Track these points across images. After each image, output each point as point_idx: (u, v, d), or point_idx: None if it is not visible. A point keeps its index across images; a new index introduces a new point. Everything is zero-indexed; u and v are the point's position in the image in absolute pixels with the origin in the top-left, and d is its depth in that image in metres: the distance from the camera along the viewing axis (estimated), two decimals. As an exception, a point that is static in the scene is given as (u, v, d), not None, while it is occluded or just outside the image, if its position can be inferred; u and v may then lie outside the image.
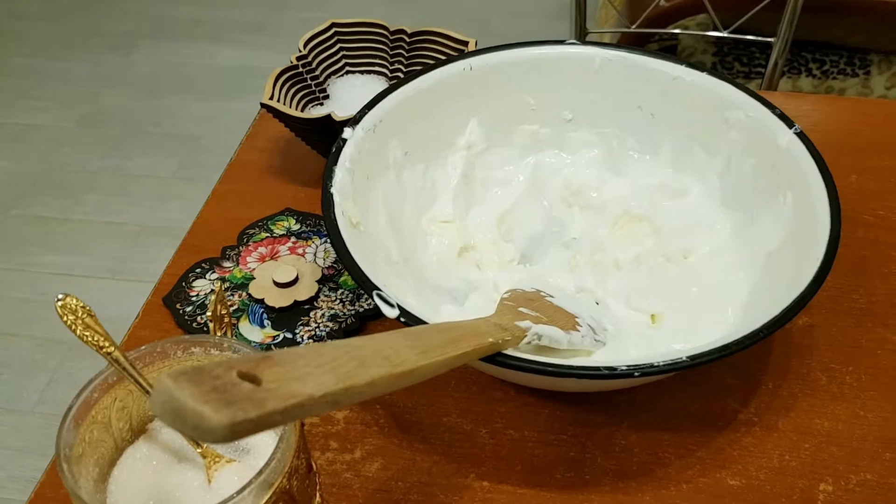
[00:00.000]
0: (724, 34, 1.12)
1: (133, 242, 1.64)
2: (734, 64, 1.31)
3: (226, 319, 0.48)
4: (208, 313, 0.44)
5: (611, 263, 0.57)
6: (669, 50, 1.32)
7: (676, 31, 1.14)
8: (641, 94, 0.60)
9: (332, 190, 0.50)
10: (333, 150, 0.53)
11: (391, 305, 0.44)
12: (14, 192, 1.74)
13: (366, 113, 0.55)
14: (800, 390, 0.52)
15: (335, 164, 0.52)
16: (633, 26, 1.15)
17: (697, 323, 0.50)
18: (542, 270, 0.58)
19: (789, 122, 0.54)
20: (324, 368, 0.30)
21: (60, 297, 0.40)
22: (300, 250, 0.60)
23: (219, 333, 0.45)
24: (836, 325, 0.56)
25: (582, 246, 0.59)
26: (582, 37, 1.15)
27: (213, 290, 0.57)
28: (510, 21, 2.19)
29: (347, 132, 0.54)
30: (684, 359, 0.41)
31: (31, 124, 1.92)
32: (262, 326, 0.54)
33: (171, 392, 0.25)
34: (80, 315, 0.41)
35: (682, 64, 0.59)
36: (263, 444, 0.42)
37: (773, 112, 0.54)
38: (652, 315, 0.53)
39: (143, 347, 0.42)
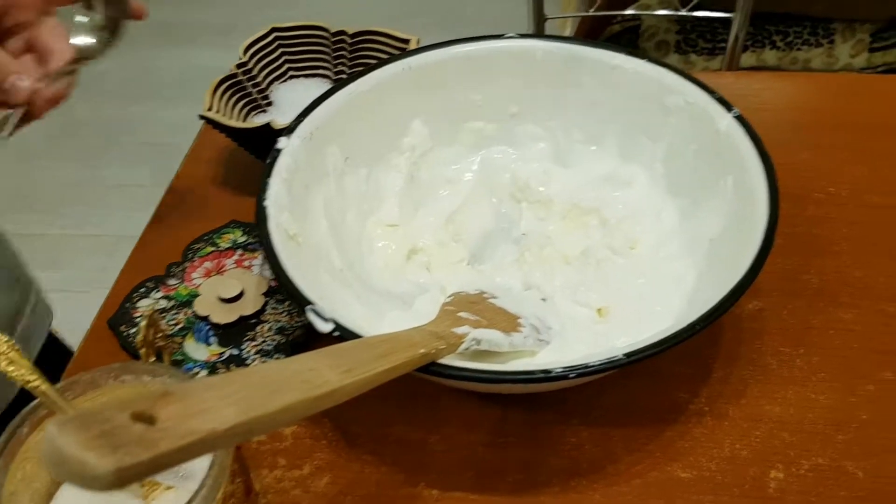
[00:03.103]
0: (683, 13, 1.11)
1: (113, 254, 1.63)
2: (698, 41, 1.30)
3: (161, 343, 0.47)
4: (138, 339, 0.44)
5: (559, 258, 0.57)
6: (633, 31, 1.31)
7: (630, 11, 1.13)
8: (583, 84, 0.60)
9: (266, 203, 0.49)
10: (268, 161, 0.52)
11: (325, 320, 0.43)
12: (-10, 209, 1.73)
13: (301, 121, 0.54)
14: (750, 376, 0.52)
15: (269, 175, 0.51)
16: (592, 10, 1.14)
17: (643, 315, 0.50)
18: (490, 269, 0.57)
19: (728, 106, 0.53)
20: (230, 399, 0.29)
21: (-20, 335, 0.40)
22: (247, 262, 0.59)
23: (152, 359, 0.45)
24: (787, 307, 0.55)
25: (531, 242, 0.58)
26: (540, 23, 1.14)
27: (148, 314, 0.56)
28: (483, 9, 2.17)
29: (282, 142, 0.53)
30: (620, 357, 0.41)
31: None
32: (208, 344, 0.54)
33: (54, 440, 0.24)
34: (3, 350, 0.40)
35: (621, 52, 0.58)
36: (202, 469, 0.42)
37: (713, 96, 0.54)
38: (598, 309, 0.53)
39: (70, 379, 0.41)
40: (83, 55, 0.49)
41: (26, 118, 0.48)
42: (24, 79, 0.46)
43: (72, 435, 0.24)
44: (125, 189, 1.77)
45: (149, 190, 1.84)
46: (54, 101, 0.49)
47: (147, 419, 0.27)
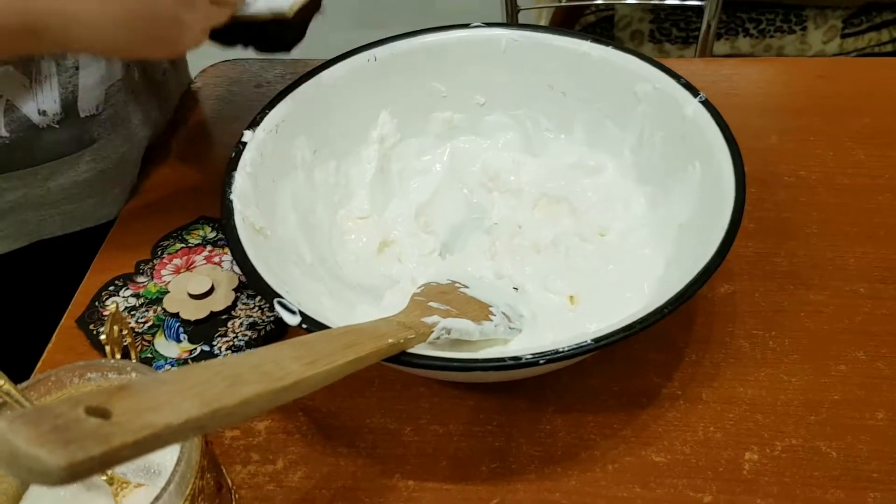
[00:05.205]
0: (655, 1, 1.12)
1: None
2: (672, 30, 1.30)
3: (128, 340, 0.47)
4: (103, 336, 0.43)
5: (530, 247, 0.56)
6: (607, 20, 1.31)
7: (600, 1, 1.13)
8: (550, 72, 0.60)
9: (232, 197, 0.49)
10: (233, 154, 0.51)
11: (293, 312, 0.43)
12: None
13: (266, 113, 0.54)
14: (723, 359, 0.52)
15: (234, 169, 0.50)
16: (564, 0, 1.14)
17: (614, 301, 0.50)
18: (462, 259, 0.57)
19: (694, 92, 0.53)
20: (188, 393, 0.29)
21: (-59, 334, 0.39)
22: (216, 259, 0.58)
23: (118, 356, 0.44)
24: (759, 290, 0.55)
25: (502, 231, 0.58)
26: (513, 13, 1.14)
27: (121, 309, 0.55)
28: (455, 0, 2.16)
29: (247, 135, 0.52)
30: (589, 342, 0.40)
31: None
32: (179, 341, 0.53)
33: (4, 436, 0.24)
34: (-36, 352, 0.39)
35: (587, 39, 0.58)
36: (172, 465, 0.41)
37: (679, 82, 0.54)
38: (570, 296, 0.53)
39: (35, 378, 0.40)
40: None
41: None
42: None
43: (23, 430, 0.24)
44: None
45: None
46: None
47: (102, 413, 0.26)
